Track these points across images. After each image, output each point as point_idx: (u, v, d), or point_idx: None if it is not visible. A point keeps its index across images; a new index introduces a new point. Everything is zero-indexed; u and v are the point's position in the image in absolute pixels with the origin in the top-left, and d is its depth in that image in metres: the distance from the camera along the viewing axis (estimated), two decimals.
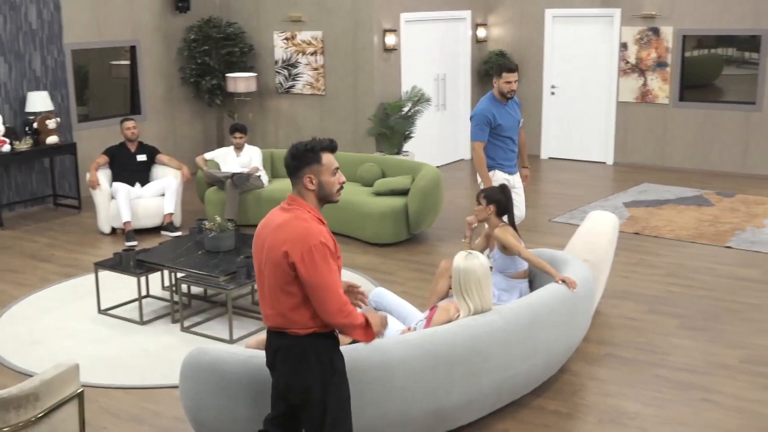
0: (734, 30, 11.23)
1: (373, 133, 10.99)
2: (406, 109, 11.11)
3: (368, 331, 3.57)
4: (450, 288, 5.56)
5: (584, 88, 12.61)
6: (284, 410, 3.70)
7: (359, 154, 9.53)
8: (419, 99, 11.08)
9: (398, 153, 10.96)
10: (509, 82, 6.80)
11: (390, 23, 11.22)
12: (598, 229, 6.30)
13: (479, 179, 7.03)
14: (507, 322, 4.69)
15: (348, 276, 7.48)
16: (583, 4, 12.30)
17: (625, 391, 5.27)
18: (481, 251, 5.76)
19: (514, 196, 7.03)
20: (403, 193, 8.60)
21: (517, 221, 7.09)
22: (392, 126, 10.83)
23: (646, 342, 6.01)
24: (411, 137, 11.11)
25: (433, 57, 12.19)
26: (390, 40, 11.14)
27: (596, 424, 4.86)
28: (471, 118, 6.94)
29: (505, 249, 5.56)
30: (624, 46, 12.05)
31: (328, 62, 11.51)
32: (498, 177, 6.98)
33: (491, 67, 12.68)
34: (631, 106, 12.16)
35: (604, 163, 12.56)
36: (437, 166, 12.28)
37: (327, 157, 3.51)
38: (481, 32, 12.94)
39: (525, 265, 5.66)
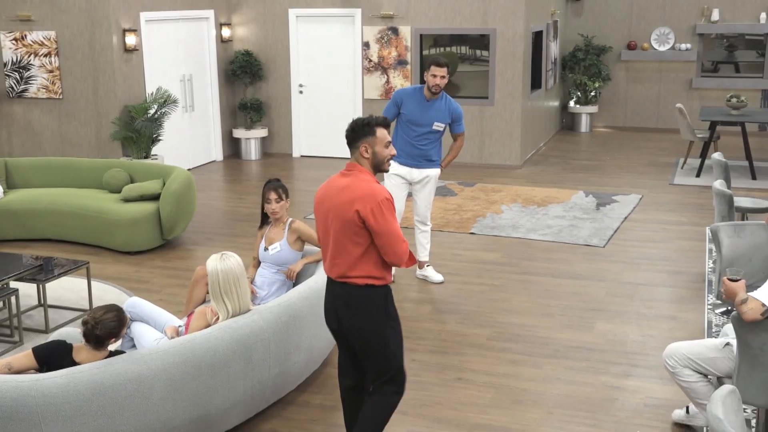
0: (465, 29, 11.95)
1: (118, 137, 10.54)
2: (152, 111, 10.76)
3: (412, 256, 4.14)
4: (207, 294, 5.45)
5: (331, 86, 12.87)
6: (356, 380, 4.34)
7: (104, 160, 9.09)
8: (165, 100, 10.78)
9: (146, 157, 10.59)
10: (435, 76, 6.78)
11: (129, 23, 10.81)
12: None
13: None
14: (267, 321, 4.68)
15: (100, 288, 7.12)
16: (325, 5, 12.55)
17: None
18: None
19: (411, 193, 7.14)
20: (154, 198, 8.33)
21: (418, 218, 7.22)
22: (138, 129, 10.45)
23: (403, 329, 6.24)
24: (159, 140, 10.78)
25: (177, 57, 11.90)
26: (130, 40, 10.73)
27: None
28: None
29: (298, 241, 5.61)
30: (366, 45, 12.44)
31: (64, 64, 10.89)
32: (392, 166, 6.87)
33: (238, 67, 12.61)
34: (376, 103, 12.58)
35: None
36: (188, 169, 12.05)
37: (381, 132, 4.09)
38: (226, 32, 12.82)
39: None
